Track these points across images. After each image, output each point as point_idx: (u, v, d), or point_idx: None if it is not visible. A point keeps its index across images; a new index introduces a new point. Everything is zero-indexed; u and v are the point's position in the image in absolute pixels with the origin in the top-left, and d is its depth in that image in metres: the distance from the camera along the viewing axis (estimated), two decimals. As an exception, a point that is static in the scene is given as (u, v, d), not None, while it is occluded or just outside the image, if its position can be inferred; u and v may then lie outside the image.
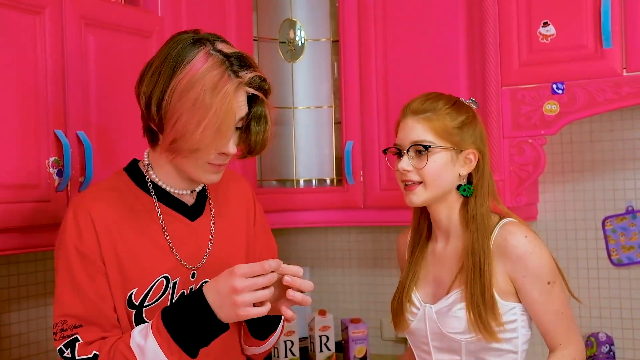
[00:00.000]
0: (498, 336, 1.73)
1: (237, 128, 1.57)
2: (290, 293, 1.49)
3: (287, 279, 1.49)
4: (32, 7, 1.83)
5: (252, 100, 1.59)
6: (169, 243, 1.61)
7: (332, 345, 2.83)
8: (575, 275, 2.65)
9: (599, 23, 2.23)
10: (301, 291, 1.50)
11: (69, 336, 1.52)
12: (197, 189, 1.68)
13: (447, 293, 1.81)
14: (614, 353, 2.59)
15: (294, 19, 2.73)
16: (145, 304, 1.58)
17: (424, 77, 2.52)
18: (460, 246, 1.83)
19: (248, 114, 1.58)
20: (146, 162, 1.65)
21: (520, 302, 1.78)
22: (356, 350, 2.81)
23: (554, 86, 2.30)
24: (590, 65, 2.26)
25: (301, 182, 2.74)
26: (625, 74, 2.22)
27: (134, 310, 1.57)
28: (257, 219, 1.81)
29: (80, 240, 1.54)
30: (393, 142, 1.88)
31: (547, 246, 1.81)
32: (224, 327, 1.48)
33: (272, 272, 1.46)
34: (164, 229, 1.61)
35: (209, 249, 1.66)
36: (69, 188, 1.91)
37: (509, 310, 1.76)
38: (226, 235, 1.70)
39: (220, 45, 1.55)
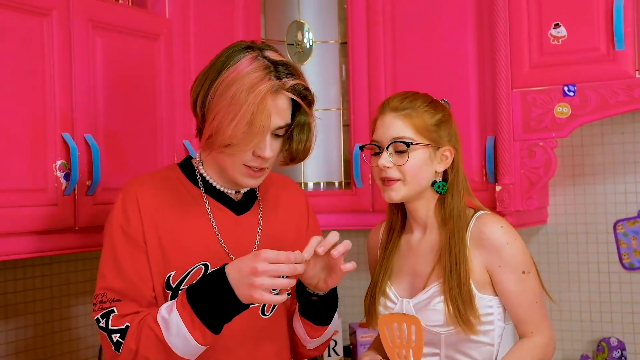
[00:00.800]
0: (476, 328, 1.75)
1: (277, 135, 1.62)
2: (341, 266, 1.56)
3: (334, 253, 1.53)
4: (39, 9, 1.82)
5: (295, 110, 1.64)
6: (217, 232, 1.67)
7: (340, 349, 2.81)
8: (586, 280, 2.63)
9: (611, 24, 2.21)
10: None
11: (106, 308, 1.58)
12: (243, 190, 1.73)
13: (425, 287, 1.82)
14: (625, 358, 2.57)
15: (302, 21, 2.71)
16: (182, 287, 1.62)
17: (433, 79, 2.51)
18: (436, 239, 1.84)
19: (290, 124, 1.63)
20: (198, 159, 1.72)
21: (496, 294, 1.80)
22: (365, 354, 2.78)
23: (565, 88, 2.28)
24: (602, 67, 2.24)
25: (309, 184, 2.73)
26: (638, 75, 2.20)
27: (171, 292, 1.62)
28: (310, 224, 1.85)
29: (125, 220, 1.62)
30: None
31: (521, 237, 1.83)
32: (243, 305, 1.51)
33: (298, 264, 1.48)
34: (212, 220, 1.67)
35: (255, 246, 1.70)
36: (76, 192, 1.90)
37: (486, 304, 1.78)
38: (273, 235, 1.73)
39: (268, 53, 1.61)
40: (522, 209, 2.36)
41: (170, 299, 1.60)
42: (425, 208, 1.86)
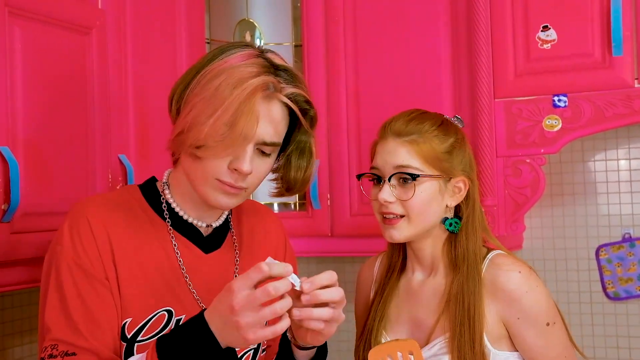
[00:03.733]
0: None
1: (263, 153, 1.35)
2: (312, 324, 1.22)
3: (305, 298, 1.20)
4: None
5: (293, 129, 1.40)
6: (185, 274, 1.40)
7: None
8: (566, 311, 2.39)
9: (607, 27, 1.99)
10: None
11: None
12: (215, 224, 1.47)
13: (428, 341, 1.56)
14: (610, 397, 2.34)
15: (250, 20, 2.41)
16: (139, 338, 1.35)
17: (402, 88, 2.24)
18: (442, 283, 1.60)
19: (287, 144, 1.41)
20: (164, 180, 1.46)
21: (515, 349, 1.56)
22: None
23: (556, 98, 2.05)
24: (598, 75, 2.02)
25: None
26: (637, 85, 1.98)
27: (125, 344, 1.34)
28: (288, 256, 1.60)
29: (77, 252, 1.32)
30: (366, 163, 1.64)
31: (543, 281, 1.60)
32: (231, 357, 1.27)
33: (280, 278, 1.17)
34: (179, 257, 1.40)
35: None
36: (-15, 218, 1.52)
37: None
38: None
39: (270, 55, 1.37)
40: (506, 234, 2.11)
41: (125, 352, 1.33)
42: (431, 247, 1.61)
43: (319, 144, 2.26)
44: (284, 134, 1.37)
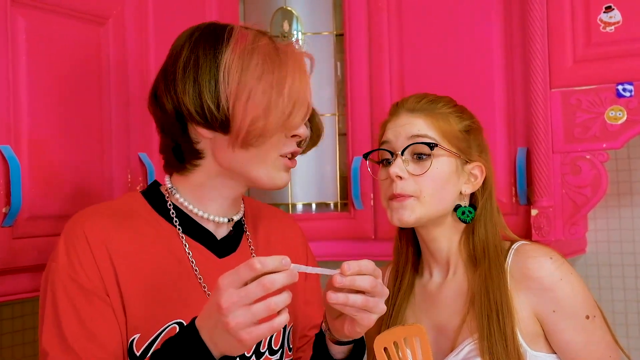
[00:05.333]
0: None
1: None
2: (347, 309, 1.16)
3: (338, 280, 1.13)
4: None
5: None
6: (200, 279, 1.32)
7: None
8: (636, 322, 2.19)
9: (679, 6, 1.77)
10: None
11: None
12: (236, 218, 1.39)
13: (454, 346, 1.42)
14: (685, 418, 2.12)
15: (289, 8, 2.28)
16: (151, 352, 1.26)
17: (450, 79, 2.07)
18: (464, 282, 1.46)
19: None
20: (169, 186, 1.36)
21: (554, 351, 1.40)
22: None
23: (620, 87, 1.84)
24: (668, 61, 1.80)
25: (298, 206, 2.32)
26: None
27: None
28: (309, 261, 1.54)
29: (74, 268, 1.24)
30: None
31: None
32: None
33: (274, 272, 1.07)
34: (193, 263, 1.32)
35: None
36: (-17, 223, 1.43)
37: None
38: None
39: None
40: (564, 239, 1.91)
41: None
42: (446, 239, 1.47)
43: (359, 139, 2.17)
44: None
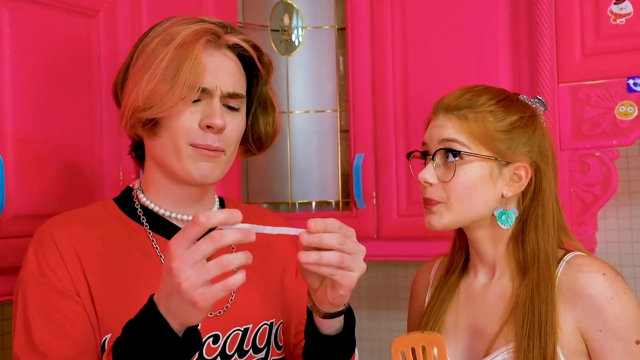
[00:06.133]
0: None
1: (231, 108, 1.32)
2: (322, 269, 1.12)
3: (304, 238, 1.09)
4: None
5: (251, 84, 1.39)
6: None
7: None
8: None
9: (692, -3, 1.71)
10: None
11: None
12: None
13: (489, 352, 1.37)
14: None
15: (289, 1, 2.24)
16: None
17: (454, 74, 2.03)
18: (508, 287, 1.41)
19: (250, 103, 1.39)
20: (136, 187, 1.40)
21: None
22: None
23: (631, 82, 1.80)
24: (681, 55, 1.76)
25: (298, 205, 2.29)
26: None
27: None
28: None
29: (43, 270, 1.24)
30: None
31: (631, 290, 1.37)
32: (194, 342, 1.10)
33: (221, 227, 1.04)
34: (163, 260, 1.31)
35: (232, 297, 1.35)
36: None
37: None
38: (255, 278, 1.36)
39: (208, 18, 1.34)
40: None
41: None
42: (490, 242, 1.44)
43: (361, 136, 2.12)
44: (245, 87, 1.35)
